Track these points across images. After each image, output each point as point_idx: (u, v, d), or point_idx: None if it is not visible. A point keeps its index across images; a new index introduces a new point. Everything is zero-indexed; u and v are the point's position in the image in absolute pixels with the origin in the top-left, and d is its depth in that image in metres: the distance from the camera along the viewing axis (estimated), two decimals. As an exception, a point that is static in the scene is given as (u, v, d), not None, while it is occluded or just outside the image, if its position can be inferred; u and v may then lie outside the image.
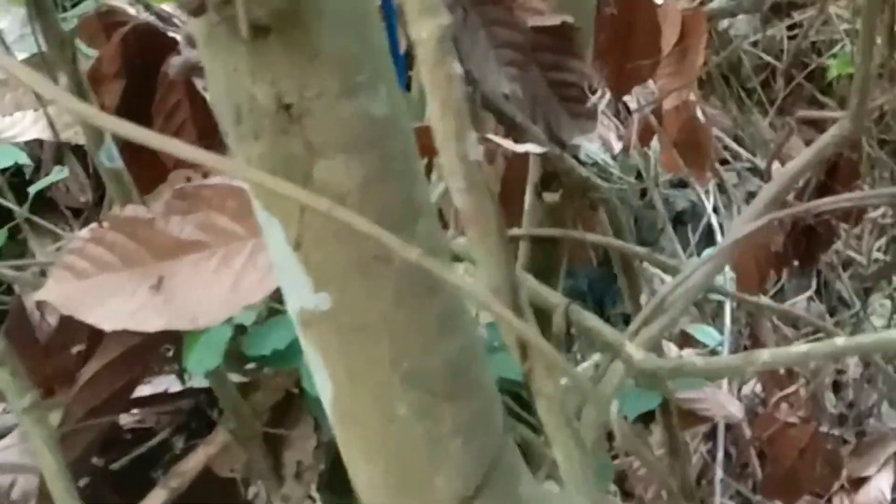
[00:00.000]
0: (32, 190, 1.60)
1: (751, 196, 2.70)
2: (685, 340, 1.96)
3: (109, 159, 0.96)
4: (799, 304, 2.77)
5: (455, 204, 0.53)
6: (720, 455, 2.24)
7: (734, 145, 2.99)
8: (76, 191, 2.18)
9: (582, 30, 1.16)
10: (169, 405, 1.15)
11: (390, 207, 0.61)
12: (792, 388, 2.05)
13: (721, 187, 2.82)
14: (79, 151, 1.95)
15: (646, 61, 1.44)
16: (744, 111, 3.04)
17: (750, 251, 1.85)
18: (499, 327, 0.92)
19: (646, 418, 1.43)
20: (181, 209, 0.83)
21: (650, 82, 1.90)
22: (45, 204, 1.98)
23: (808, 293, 2.82)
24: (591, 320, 0.95)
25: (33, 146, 1.89)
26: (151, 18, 1.15)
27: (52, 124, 1.10)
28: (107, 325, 0.85)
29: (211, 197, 0.83)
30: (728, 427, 2.25)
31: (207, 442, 1.07)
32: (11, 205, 1.63)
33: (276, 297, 0.72)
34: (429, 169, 1.10)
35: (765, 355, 0.62)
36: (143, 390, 1.13)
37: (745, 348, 2.42)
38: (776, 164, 2.10)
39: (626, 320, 1.26)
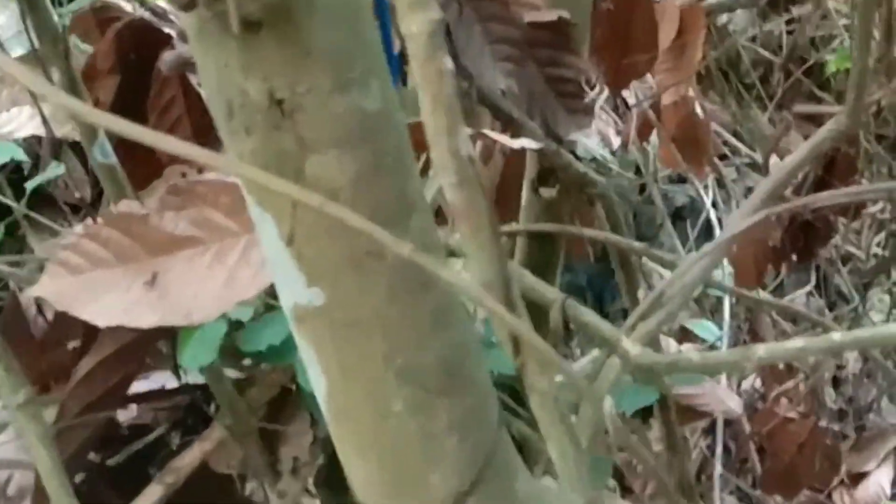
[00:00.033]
0: (29, 186, 1.60)
1: (750, 191, 2.69)
2: (684, 336, 1.96)
3: (103, 155, 0.96)
4: (798, 299, 2.77)
5: (447, 199, 0.52)
6: (719, 450, 2.24)
7: (733, 140, 2.98)
8: (75, 187, 2.18)
9: (578, 25, 1.16)
10: (166, 401, 1.14)
11: (383, 203, 0.61)
12: (791, 384, 2.04)
13: (720, 183, 2.82)
14: (77, 147, 1.94)
15: (643, 57, 1.43)
16: (743, 106, 3.04)
17: (748, 246, 1.84)
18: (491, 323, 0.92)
19: (644, 414, 1.43)
20: (175, 205, 0.83)
21: (649, 78, 1.90)
22: (44, 200, 1.97)
23: (808, 288, 2.82)
24: (588, 315, 0.95)
25: (32, 143, 1.89)
26: (146, 14, 1.15)
27: (45, 121, 1.09)
28: (101, 321, 0.85)
29: (205, 193, 0.83)
30: (727, 422, 2.25)
31: (204, 438, 1.07)
32: (10, 201, 1.62)
33: (272, 292, 0.72)
34: (426, 167, 1.10)
35: (760, 350, 0.62)
36: (140, 386, 1.13)
37: (745, 343, 2.42)
38: (774, 159, 2.10)
39: (626, 316, 1.26)
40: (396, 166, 0.61)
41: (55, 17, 0.98)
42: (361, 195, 0.59)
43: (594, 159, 2.14)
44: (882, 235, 2.79)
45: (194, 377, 1.09)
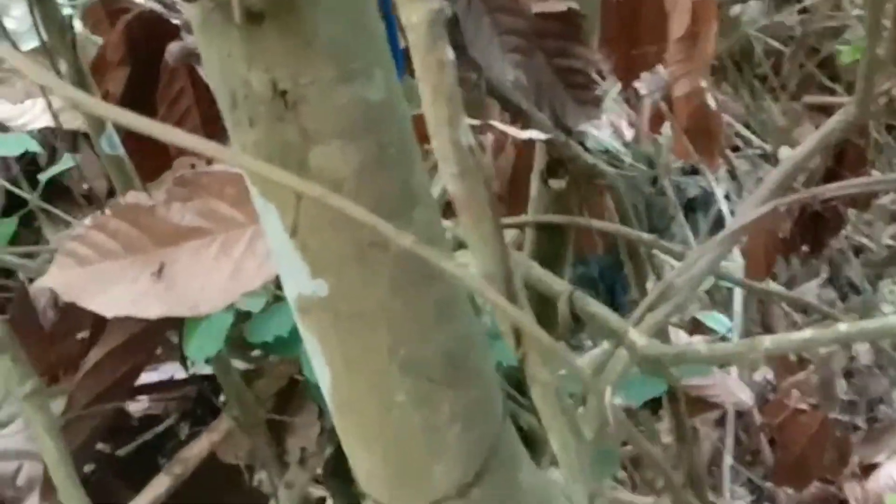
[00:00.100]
0: (43, 178, 1.61)
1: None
2: (696, 327, 1.96)
3: (110, 146, 0.96)
4: (810, 290, 2.76)
5: (448, 190, 0.52)
6: (730, 441, 2.23)
7: (746, 132, 2.98)
8: (90, 178, 2.18)
9: (587, 16, 1.16)
10: (174, 392, 1.15)
11: (387, 194, 0.61)
12: (803, 375, 2.04)
13: (732, 174, 2.81)
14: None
15: (652, 48, 1.43)
16: (756, 98, 3.03)
17: (758, 237, 1.84)
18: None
19: (654, 405, 1.43)
20: (182, 196, 0.83)
21: (662, 69, 1.89)
22: (60, 192, 1.98)
23: (819, 279, 2.81)
24: (595, 307, 0.95)
25: (48, 135, 1.89)
26: (155, 5, 1.15)
27: (53, 113, 1.09)
28: (109, 312, 0.85)
29: (211, 184, 0.83)
30: (739, 414, 2.24)
31: (211, 429, 1.07)
32: (25, 193, 1.63)
33: (280, 283, 0.72)
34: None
35: (767, 341, 0.61)
36: (149, 377, 1.13)
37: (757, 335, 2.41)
38: (785, 150, 2.09)
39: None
40: (400, 158, 0.61)
41: (64, 10, 0.98)
42: (365, 186, 0.59)
43: (607, 151, 2.13)
44: (894, 226, 2.78)
45: (203, 368, 1.10)
